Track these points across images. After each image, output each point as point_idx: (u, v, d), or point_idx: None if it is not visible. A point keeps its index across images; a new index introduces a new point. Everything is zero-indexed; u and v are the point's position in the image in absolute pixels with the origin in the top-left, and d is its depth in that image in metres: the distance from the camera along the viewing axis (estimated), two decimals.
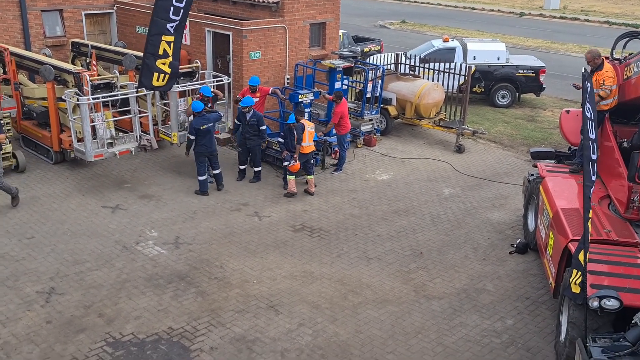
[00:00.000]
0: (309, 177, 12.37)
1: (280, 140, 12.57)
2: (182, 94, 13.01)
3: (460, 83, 16.28)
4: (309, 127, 12.19)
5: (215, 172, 12.25)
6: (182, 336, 7.86)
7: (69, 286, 8.80)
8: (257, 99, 12.96)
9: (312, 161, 12.48)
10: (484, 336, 8.16)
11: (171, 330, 7.97)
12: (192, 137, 11.76)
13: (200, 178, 11.99)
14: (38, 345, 7.53)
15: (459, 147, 15.15)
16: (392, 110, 15.75)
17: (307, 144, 12.13)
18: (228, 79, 13.39)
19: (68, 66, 12.91)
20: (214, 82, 13.23)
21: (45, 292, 8.64)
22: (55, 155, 13.04)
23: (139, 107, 12.55)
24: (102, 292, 8.70)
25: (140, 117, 12.59)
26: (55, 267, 9.29)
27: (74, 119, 11.90)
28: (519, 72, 18.94)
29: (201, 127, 11.71)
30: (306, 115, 13.12)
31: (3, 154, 12.14)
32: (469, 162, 14.54)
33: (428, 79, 16.55)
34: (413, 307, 8.73)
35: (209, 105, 12.45)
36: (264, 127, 12.47)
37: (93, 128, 11.80)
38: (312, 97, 13.39)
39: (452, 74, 16.23)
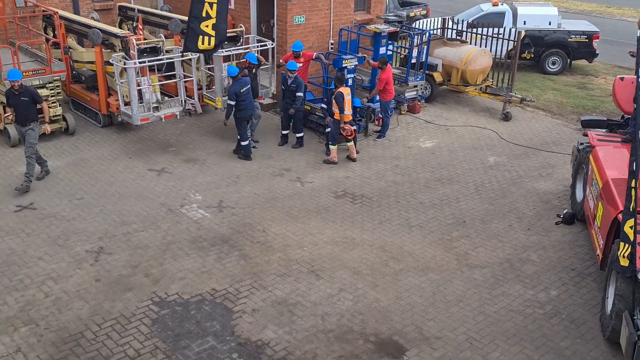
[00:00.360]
0: (348, 144, 12.27)
1: (324, 106, 12.50)
2: (227, 59, 13.02)
3: (509, 49, 15.82)
4: (348, 95, 12.04)
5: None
6: (225, 297, 8.02)
7: (116, 246, 9.05)
8: (301, 64, 12.88)
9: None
10: (527, 306, 8.08)
11: (214, 291, 8.14)
12: (233, 103, 11.77)
13: (244, 143, 12.06)
14: (88, 302, 7.80)
15: (505, 115, 14.80)
16: (438, 77, 15.45)
17: (346, 113, 12.02)
18: (272, 44, 13.33)
19: (115, 30, 13.05)
20: (258, 46, 13.20)
21: (95, 251, 8.90)
22: (103, 118, 13.31)
23: (183, 71, 12.64)
24: (148, 253, 8.92)
25: (185, 82, 12.70)
26: (104, 227, 9.55)
27: (121, 82, 12.08)
28: (571, 38, 18.27)
29: (241, 91, 11.71)
30: (350, 81, 13.00)
31: (53, 117, 12.45)
32: (516, 131, 14.21)
33: (475, 45, 16.14)
34: (454, 276, 8.68)
35: (253, 71, 12.44)
36: (300, 94, 12.36)
37: (139, 92, 11.97)
38: (356, 63, 13.23)
39: (501, 40, 15.77)
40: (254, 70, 12.42)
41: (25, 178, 10.44)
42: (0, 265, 8.42)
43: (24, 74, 11.77)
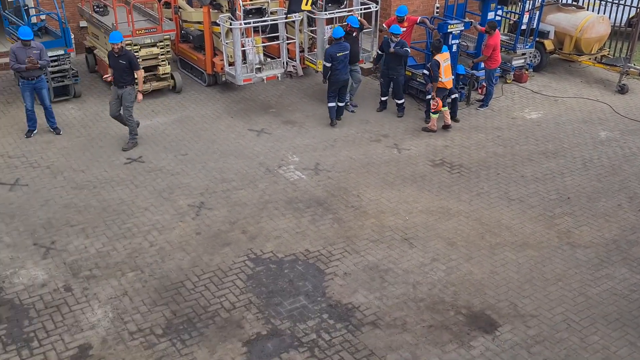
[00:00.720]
0: (443, 109, 11.88)
1: (425, 72, 12.20)
2: (329, 22, 12.95)
3: (630, 16, 14.68)
4: (445, 61, 11.63)
5: (340, 104, 12.18)
6: (317, 259, 8.14)
7: (216, 202, 9.38)
8: (404, 29, 12.58)
9: (452, 96, 12.03)
10: (633, 291, 7.63)
11: (308, 252, 8.28)
12: (329, 65, 11.72)
13: (330, 104, 12.00)
14: (188, 253, 8.17)
15: (621, 88, 13.84)
16: (549, 45, 14.63)
17: (447, 79, 11.64)
18: (376, 7, 13.10)
19: None
20: (361, 9, 13.02)
21: (196, 205, 9.28)
22: (208, 77, 13.70)
23: (287, 33, 12.72)
24: (245, 211, 9.18)
25: (287, 44, 12.78)
26: (205, 183, 9.90)
27: (227, 43, 12.34)
28: None
29: (337, 54, 11.62)
30: (454, 47, 12.59)
31: (162, 74, 12.96)
32: (632, 104, 13.27)
33: (593, 11, 15.11)
34: (555, 254, 8.33)
35: (354, 34, 12.30)
36: (406, 53, 12.09)
37: (243, 53, 12.18)
38: (462, 28, 12.76)
39: (622, 6, 14.65)
40: (354, 34, 12.28)
41: (130, 137, 10.94)
42: (111, 214, 8.97)
43: (136, 32, 12.29)
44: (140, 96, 10.99)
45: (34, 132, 11.27)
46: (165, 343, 6.61)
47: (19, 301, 7.15)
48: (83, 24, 15.01)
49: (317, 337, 6.78)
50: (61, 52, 12.28)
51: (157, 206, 9.21)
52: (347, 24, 12.29)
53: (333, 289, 7.57)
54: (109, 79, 10.97)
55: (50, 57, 11.57)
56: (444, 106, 11.86)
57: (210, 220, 8.93)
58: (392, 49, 11.91)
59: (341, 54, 11.61)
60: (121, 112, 10.85)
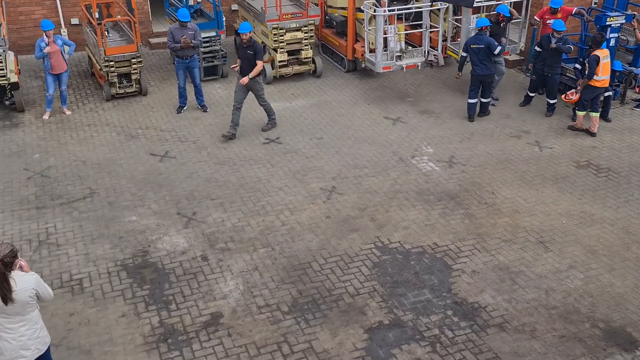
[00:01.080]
0: (593, 114, 11.07)
1: (578, 66, 11.44)
2: (476, 10, 12.53)
3: None
4: (605, 58, 10.78)
5: (483, 100, 11.70)
6: (445, 254, 7.98)
7: (347, 187, 9.48)
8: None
9: (601, 98, 11.15)
10: None
11: (436, 246, 8.14)
12: (465, 55, 11.36)
13: (469, 100, 11.60)
14: (317, 235, 8.35)
15: None
16: None
17: (601, 78, 10.81)
18: None
19: None
20: None
21: (327, 189, 9.44)
22: (348, 63, 13.82)
23: (430, 21, 12.49)
24: (375, 198, 9.20)
25: (430, 32, 12.55)
26: (338, 168, 10.04)
27: (369, 29, 12.36)
28: None
29: (471, 46, 11.19)
30: (612, 41, 11.68)
31: (304, 59, 13.26)
32: None
33: None
34: None
35: (502, 24, 11.80)
36: (569, 50, 11.37)
37: (385, 40, 12.13)
38: (623, 21, 11.79)
39: None
40: (502, 25, 11.77)
41: (269, 119, 11.23)
42: (248, 191, 9.37)
43: (283, 16, 12.66)
44: (245, 79, 10.62)
45: (184, 108, 12.02)
46: (290, 321, 6.82)
47: (161, 265, 7.71)
48: (234, 7, 15.72)
49: (439, 333, 6.67)
50: (213, 33, 12.96)
51: (291, 187, 9.48)
52: (498, 14, 11.78)
53: (459, 286, 7.39)
54: (236, 69, 11.11)
55: (202, 38, 12.24)
56: (594, 111, 11.04)
57: (341, 205, 9.04)
58: (553, 45, 11.24)
59: (475, 45, 11.18)
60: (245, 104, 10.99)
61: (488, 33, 11.29)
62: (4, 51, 11.20)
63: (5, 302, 4.89)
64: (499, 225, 8.54)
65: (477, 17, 12.19)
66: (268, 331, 6.66)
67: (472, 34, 12.07)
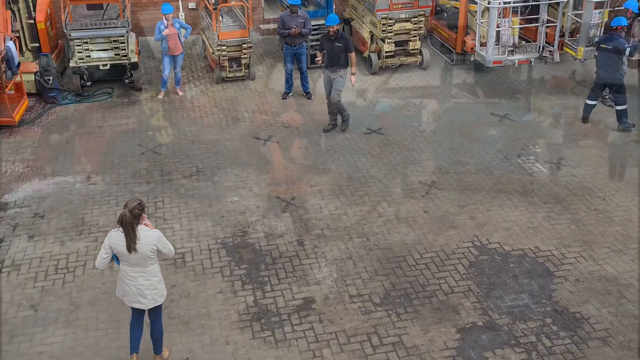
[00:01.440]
0: None
1: None
2: (599, 5, 11.81)
3: None
4: None
5: (617, 107, 10.79)
6: (547, 259, 7.64)
7: (447, 183, 9.28)
8: None
9: None
10: None
11: (538, 250, 7.81)
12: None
13: (587, 101, 10.94)
14: (413, 230, 8.25)
15: None
16: None
17: None
18: None
19: None
20: None
21: (427, 184, 9.28)
22: (456, 56, 13.50)
23: (547, 15, 11.92)
24: (476, 196, 8.95)
25: (547, 27, 11.98)
26: (439, 162, 9.85)
27: (481, 22, 11.98)
28: None
29: (601, 45, 10.51)
30: None
31: (411, 50, 13.08)
32: None
33: None
34: None
35: (630, 21, 11.04)
36: None
37: (497, 33, 11.72)
38: None
39: None
40: (629, 22, 11.02)
41: (343, 120, 10.91)
42: (346, 180, 9.40)
43: (393, 6, 12.53)
44: (353, 79, 10.71)
45: (290, 94, 12.22)
46: (381, 312, 6.79)
47: (259, 247, 7.91)
48: None
49: (536, 341, 6.40)
50: (322, 22, 13.05)
51: (390, 179, 9.41)
52: (627, 9, 11.02)
53: (561, 294, 7.05)
54: (320, 62, 10.97)
55: (312, 26, 12.36)
56: None
57: (439, 200, 8.88)
58: None
59: (604, 46, 10.47)
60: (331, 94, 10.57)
61: (623, 34, 10.52)
62: (127, 32, 11.85)
63: (129, 250, 5.40)
64: (609, 234, 8.06)
65: (600, 13, 11.48)
66: (359, 321, 6.68)
67: (593, 30, 11.41)
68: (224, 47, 12.29)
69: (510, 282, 7.26)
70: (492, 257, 7.71)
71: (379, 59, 13.16)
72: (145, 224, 5.54)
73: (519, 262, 7.59)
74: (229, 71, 12.65)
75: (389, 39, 12.82)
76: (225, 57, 12.44)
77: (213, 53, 12.66)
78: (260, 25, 15.74)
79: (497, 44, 11.84)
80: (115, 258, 5.58)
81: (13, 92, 10.93)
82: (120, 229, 5.42)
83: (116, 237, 5.46)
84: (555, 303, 6.92)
